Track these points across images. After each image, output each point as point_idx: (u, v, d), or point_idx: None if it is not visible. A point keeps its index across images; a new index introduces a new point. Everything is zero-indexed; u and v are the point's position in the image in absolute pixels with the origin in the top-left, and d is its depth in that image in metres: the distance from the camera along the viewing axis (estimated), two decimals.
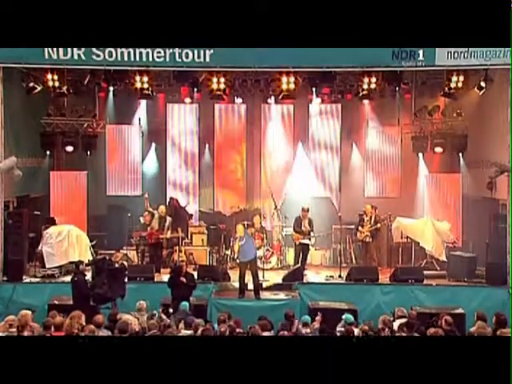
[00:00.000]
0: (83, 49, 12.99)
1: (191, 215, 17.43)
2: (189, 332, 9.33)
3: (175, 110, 17.85)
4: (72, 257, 14.31)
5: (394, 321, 10.23)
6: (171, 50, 13.12)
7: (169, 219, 15.21)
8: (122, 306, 11.19)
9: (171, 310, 11.07)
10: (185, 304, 10.83)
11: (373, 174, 17.31)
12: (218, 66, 14.06)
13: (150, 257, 15.11)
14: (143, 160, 17.63)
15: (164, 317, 10.37)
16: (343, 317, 10.52)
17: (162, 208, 15.34)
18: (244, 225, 13.84)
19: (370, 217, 15.40)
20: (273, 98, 17.33)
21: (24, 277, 14.09)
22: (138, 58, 13.24)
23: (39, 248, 14.55)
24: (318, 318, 10.63)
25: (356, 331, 9.64)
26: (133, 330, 9.04)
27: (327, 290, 13.75)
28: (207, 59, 13.23)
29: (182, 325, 9.85)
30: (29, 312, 9.40)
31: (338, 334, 9.73)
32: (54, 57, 13.15)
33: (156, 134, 17.95)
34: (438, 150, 16.45)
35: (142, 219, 15.49)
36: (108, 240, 16.66)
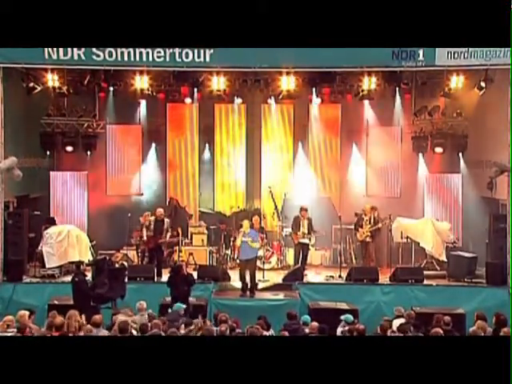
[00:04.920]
0: (83, 49, 13.00)
1: (191, 215, 17.44)
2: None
3: (175, 110, 17.85)
4: (72, 257, 14.32)
5: (392, 320, 10.25)
6: (171, 50, 13.13)
7: (167, 221, 14.98)
8: (122, 307, 11.19)
9: (170, 310, 11.08)
10: (179, 305, 10.78)
11: (373, 174, 17.31)
12: (218, 66, 14.07)
13: (151, 259, 15.03)
14: (143, 160, 17.62)
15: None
16: (342, 317, 10.51)
17: (160, 211, 15.09)
18: (251, 223, 13.87)
19: (370, 217, 15.39)
20: (273, 98, 17.30)
21: (24, 277, 14.08)
22: (138, 58, 13.25)
23: (39, 248, 14.54)
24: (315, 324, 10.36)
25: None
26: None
27: (327, 290, 13.76)
28: (207, 59, 13.24)
29: (182, 324, 9.87)
30: (26, 312, 9.41)
31: (338, 335, 9.74)
32: (54, 57, 13.16)
33: (156, 134, 17.94)
34: (438, 150, 16.44)
35: (141, 219, 15.47)
36: (108, 240, 16.64)
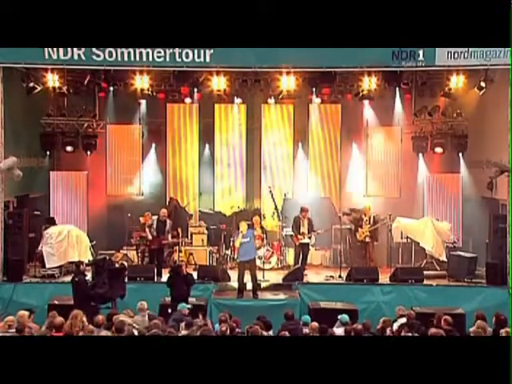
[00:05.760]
0: (83, 49, 13.00)
1: (191, 215, 17.43)
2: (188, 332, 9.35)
3: (175, 109, 17.85)
4: (72, 257, 14.32)
5: (395, 320, 10.24)
6: (171, 50, 13.13)
7: (169, 222, 14.97)
8: (122, 306, 11.20)
9: (170, 311, 11.07)
10: (183, 305, 10.78)
11: (373, 174, 17.31)
12: (218, 66, 14.07)
13: (152, 259, 15.02)
14: (143, 160, 17.62)
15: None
16: (339, 317, 10.52)
17: (164, 211, 15.07)
18: (248, 223, 13.85)
19: (369, 217, 15.38)
20: (273, 98, 17.31)
21: (24, 277, 14.08)
22: (138, 58, 13.25)
23: (39, 248, 14.54)
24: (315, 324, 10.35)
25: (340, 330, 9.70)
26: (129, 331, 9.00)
27: (327, 290, 13.76)
28: (207, 59, 13.24)
29: (182, 324, 9.88)
30: (26, 313, 9.39)
31: (334, 334, 9.74)
32: (54, 57, 13.16)
33: (156, 134, 17.95)
34: (438, 150, 16.45)
35: (141, 219, 15.47)
36: (108, 240, 16.65)
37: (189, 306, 10.92)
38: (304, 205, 15.32)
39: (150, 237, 14.82)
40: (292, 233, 15.20)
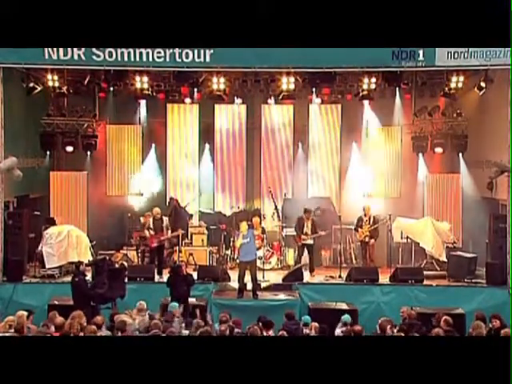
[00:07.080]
0: (83, 49, 13.00)
1: (191, 215, 17.42)
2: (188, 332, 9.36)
3: (175, 110, 17.86)
4: (72, 257, 14.30)
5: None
6: (171, 50, 13.13)
7: (165, 219, 14.97)
8: (122, 306, 11.20)
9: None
10: (173, 305, 10.75)
11: (373, 174, 17.30)
12: (218, 66, 14.07)
13: (152, 259, 15.03)
14: (143, 160, 17.62)
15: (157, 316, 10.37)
16: (342, 317, 10.52)
17: (157, 210, 15.02)
18: (248, 224, 13.85)
19: (369, 217, 15.38)
20: (273, 98, 17.31)
21: (24, 277, 14.08)
22: (138, 58, 13.24)
23: (39, 248, 14.52)
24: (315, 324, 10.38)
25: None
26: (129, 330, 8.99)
27: (327, 290, 13.75)
28: (207, 59, 13.24)
29: (183, 325, 9.88)
30: (25, 313, 9.39)
31: (336, 335, 9.75)
32: (54, 57, 13.16)
33: (156, 134, 17.97)
34: (438, 150, 16.45)
35: (142, 219, 15.47)
36: (108, 240, 16.65)
37: (177, 304, 10.84)
38: (307, 206, 15.30)
39: (147, 235, 14.84)
40: (295, 233, 15.20)
